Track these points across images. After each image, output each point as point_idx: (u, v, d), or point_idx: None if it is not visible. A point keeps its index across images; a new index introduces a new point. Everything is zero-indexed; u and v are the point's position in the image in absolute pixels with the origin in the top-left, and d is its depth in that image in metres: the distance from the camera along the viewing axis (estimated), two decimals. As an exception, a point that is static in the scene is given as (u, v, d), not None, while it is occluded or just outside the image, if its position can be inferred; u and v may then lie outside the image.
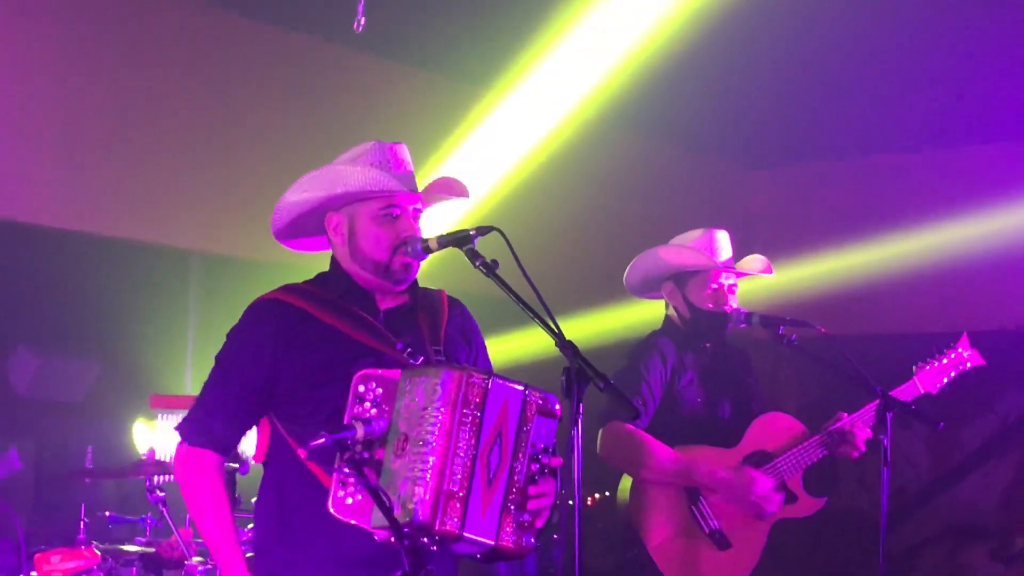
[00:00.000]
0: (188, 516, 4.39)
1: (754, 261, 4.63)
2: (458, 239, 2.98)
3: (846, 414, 4.48)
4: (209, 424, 3.07)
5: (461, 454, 2.72)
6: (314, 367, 2.99)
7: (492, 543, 2.78)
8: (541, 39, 6.34)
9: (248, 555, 3.09)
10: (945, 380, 4.59)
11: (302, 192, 3.12)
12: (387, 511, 2.60)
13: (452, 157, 6.70)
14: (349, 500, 2.76)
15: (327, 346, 3.02)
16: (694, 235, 4.61)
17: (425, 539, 2.70)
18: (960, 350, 4.62)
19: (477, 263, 2.95)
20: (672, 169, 8.28)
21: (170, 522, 4.77)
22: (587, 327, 6.87)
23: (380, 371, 2.84)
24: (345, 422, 2.77)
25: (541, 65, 6.54)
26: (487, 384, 2.77)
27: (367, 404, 2.79)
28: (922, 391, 4.55)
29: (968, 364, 4.62)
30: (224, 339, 3.13)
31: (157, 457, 4.90)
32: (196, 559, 4.66)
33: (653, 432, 4.35)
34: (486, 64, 6.62)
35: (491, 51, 6.47)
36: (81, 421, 5.89)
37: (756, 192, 8.71)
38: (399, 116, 6.73)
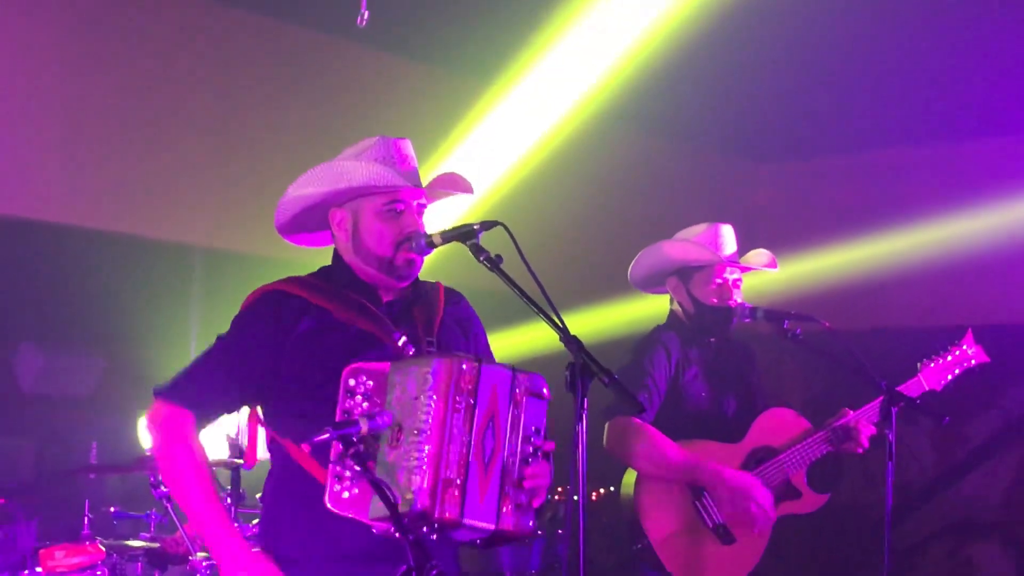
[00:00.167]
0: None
1: (758, 256, 4.62)
2: (462, 234, 2.98)
3: (851, 410, 4.47)
4: (189, 386, 3.03)
5: (456, 441, 2.72)
6: (318, 359, 2.98)
7: (492, 527, 2.78)
8: (544, 34, 6.32)
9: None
10: (949, 377, 4.58)
11: (306, 187, 3.11)
12: (390, 504, 2.59)
13: (455, 152, 6.69)
14: (346, 494, 2.76)
15: (331, 335, 3.01)
16: (698, 230, 4.60)
17: (425, 528, 2.70)
18: (964, 347, 4.61)
19: (481, 258, 2.94)
20: (676, 164, 8.26)
21: (174, 518, 4.77)
22: (591, 322, 6.85)
23: (370, 364, 2.83)
24: (337, 417, 2.76)
25: (544, 60, 6.52)
26: (477, 370, 2.77)
27: (358, 397, 2.79)
28: (926, 388, 4.54)
29: (973, 361, 4.61)
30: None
31: (162, 453, 4.89)
32: (201, 554, 4.66)
33: (657, 427, 4.34)
34: (490, 59, 6.60)
35: (495, 46, 6.46)
36: (85, 417, 5.89)
37: (760, 187, 8.69)
38: (402, 111, 6.71)
